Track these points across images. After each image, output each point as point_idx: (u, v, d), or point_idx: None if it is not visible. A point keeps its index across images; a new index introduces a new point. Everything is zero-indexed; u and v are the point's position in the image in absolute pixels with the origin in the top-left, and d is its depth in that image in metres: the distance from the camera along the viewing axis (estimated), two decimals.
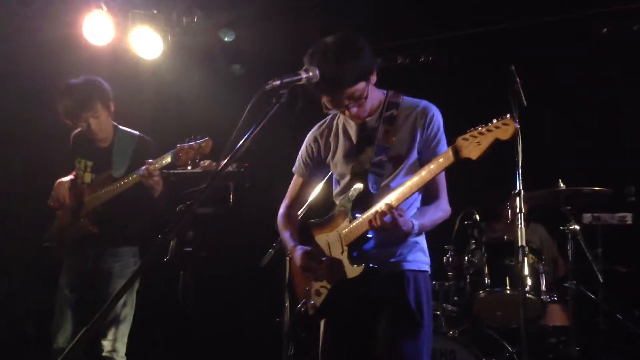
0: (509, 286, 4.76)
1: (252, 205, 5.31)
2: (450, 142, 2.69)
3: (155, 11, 5.79)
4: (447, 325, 4.77)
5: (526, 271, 4.49)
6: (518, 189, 3.47)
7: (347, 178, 3.12)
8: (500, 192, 5.64)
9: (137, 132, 4.52)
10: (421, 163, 2.96)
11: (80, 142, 4.53)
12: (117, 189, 4.23)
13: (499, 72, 3.63)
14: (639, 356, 5.42)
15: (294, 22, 6.00)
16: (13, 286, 6.03)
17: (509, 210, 5.50)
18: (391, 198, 2.79)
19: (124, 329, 4.29)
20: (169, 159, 4.11)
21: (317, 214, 3.28)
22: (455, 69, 6.31)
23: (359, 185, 3.01)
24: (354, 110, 2.99)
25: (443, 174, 3.00)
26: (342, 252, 2.98)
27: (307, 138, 3.33)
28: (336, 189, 3.22)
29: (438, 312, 4.80)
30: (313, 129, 3.32)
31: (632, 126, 5.82)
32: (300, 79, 2.72)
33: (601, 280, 4.91)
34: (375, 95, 3.07)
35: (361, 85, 2.92)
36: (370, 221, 2.80)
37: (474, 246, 5.05)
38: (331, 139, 3.22)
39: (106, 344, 4.20)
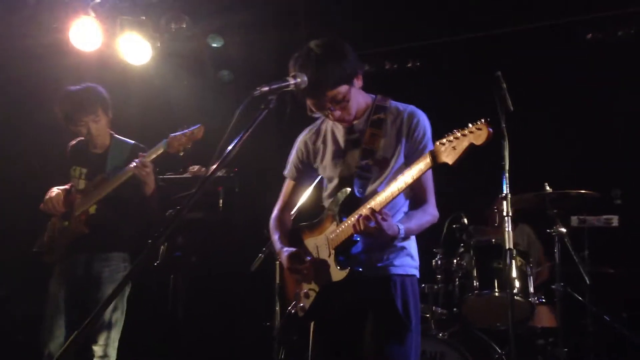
0: (498, 288, 4.78)
1: (242, 210, 5.33)
2: None
3: (143, 17, 5.77)
4: (437, 328, 4.79)
5: (514, 273, 4.56)
6: (505, 192, 3.50)
7: (335, 181, 3.14)
8: (487, 195, 5.67)
9: (132, 141, 4.53)
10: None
11: (76, 151, 4.55)
12: (110, 184, 4.23)
13: (486, 78, 3.65)
14: (626, 357, 5.48)
15: (282, 29, 6.02)
16: (3, 292, 6.00)
17: (497, 214, 5.54)
18: (374, 202, 2.81)
19: (115, 334, 4.28)
20: (161, 149, 4.14)
21: (308, 218, 3.30)
22: (443, 75, 6.35)
23: (346, 189, 3.03)
24: (337, 113, 3.01)
25: (430, 178, 3.04)
26: (330, 256, 3.00)
27: (297, 141, 3.35)
28: (325, 192, 3.24)
29: (427, 315, 4.82)
30: (303, 133, 3.35)
31: (618, 129, 5.88)
32: (288, 85, 2.73)
33: (588, 282, 4.94)
34: (361, 99, 3.09)
35: (344, 88, 2.93)
36: (354, 225, 2.82)
37: (462, 249, 5.07)
38: (320, 142, 3.24)
39: (97, 350, 4.19)
